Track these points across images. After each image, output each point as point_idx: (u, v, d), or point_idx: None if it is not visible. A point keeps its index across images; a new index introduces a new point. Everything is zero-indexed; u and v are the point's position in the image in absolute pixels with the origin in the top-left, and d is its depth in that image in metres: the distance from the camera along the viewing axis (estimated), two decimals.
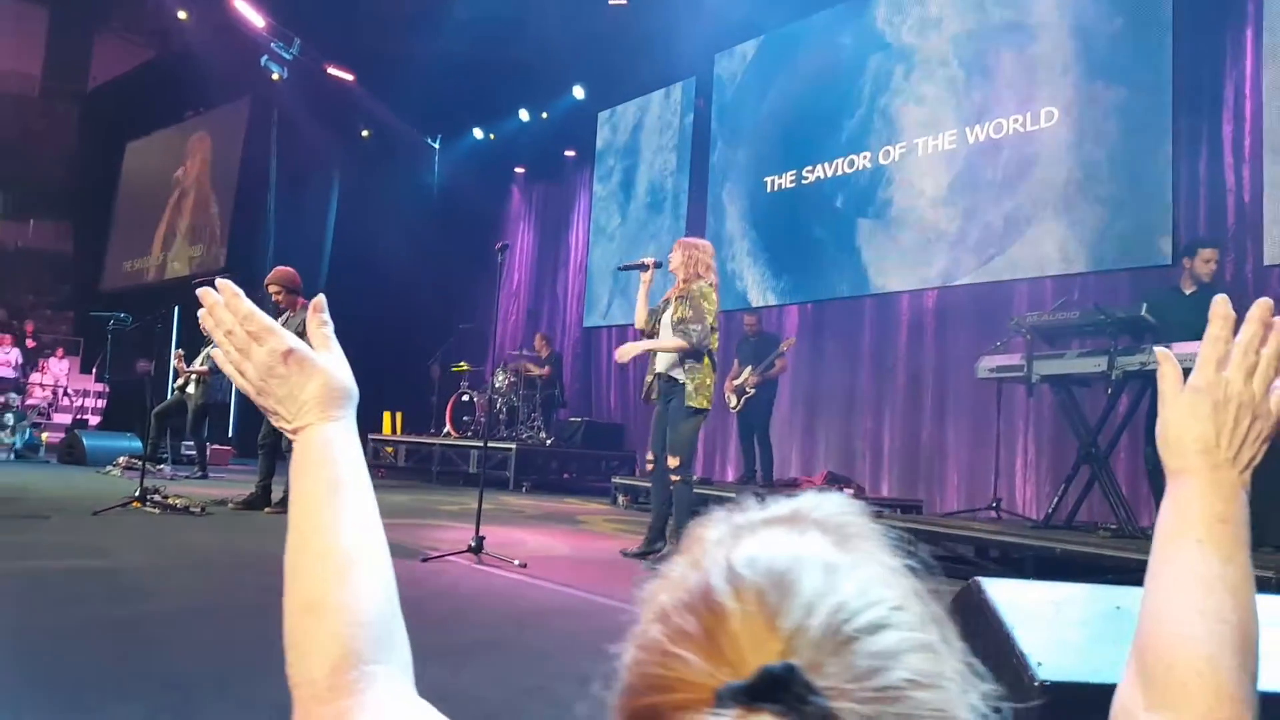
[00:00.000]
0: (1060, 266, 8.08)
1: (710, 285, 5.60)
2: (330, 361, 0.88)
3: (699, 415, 5.50)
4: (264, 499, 7.06)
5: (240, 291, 0.89)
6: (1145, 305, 5.43)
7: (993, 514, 6.86)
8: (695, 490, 5.62)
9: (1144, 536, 5.30)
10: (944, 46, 9.26)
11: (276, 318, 6.80)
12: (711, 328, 5.51)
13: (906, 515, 7.37)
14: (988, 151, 8.72)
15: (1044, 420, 8.09)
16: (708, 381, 5.49)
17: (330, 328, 0.91)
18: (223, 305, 0.88)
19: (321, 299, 0.92)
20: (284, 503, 6.84)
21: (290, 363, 0.86)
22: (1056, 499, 5.85)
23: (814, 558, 0.49)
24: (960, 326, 8.87)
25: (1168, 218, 7.42)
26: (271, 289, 7.02)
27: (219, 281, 0.90)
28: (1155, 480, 5.95)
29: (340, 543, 0.79)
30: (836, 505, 0.55)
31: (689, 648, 0.47)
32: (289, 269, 7.16)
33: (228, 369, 0.89)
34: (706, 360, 5.50)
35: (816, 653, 0.46)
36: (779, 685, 0.44)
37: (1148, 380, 5.37)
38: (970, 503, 8.23)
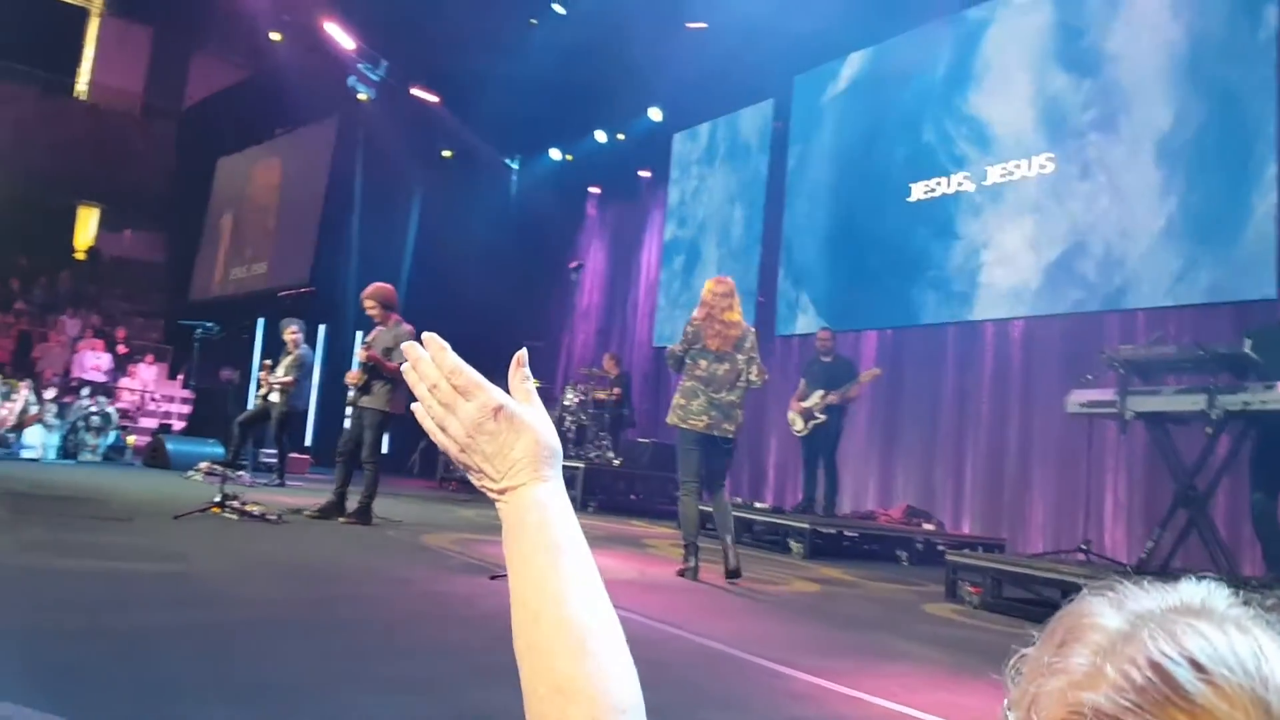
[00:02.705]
0: (1153, 299, 7.76)
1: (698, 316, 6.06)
2: (536, 417, 0.83)
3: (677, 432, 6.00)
4: (339, 508, 7.11)
5: (446, 345, 0.84)
6: (1249, 342, 5.16)
7: (1081, 556, 6.56)
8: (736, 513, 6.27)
9: (1247, 587, 5.00)
10: (1032, 70, 9.01)
11: (369, 330, 6.88)
12: (678, 354, 6.11)
13: (990, 554, 7.10)
14: (1079, 177, 8.43)
15: (1136, 459, 7.75)
16: (678, 401, 6.03)
17: (532, 383, 0.86)
18: (428, 360, 0.84)
19: (524, 353, 0.87)
20: (358, 513, 6.95)
21: (501, 419, 0.81)
22: (1151, 543, 5.56)
23: (1275, 655, 0.48)
24: (1047, 358, 8.58)
25: (1271, 249, 7.06)
26: (367, 303, 7.20)
27: (425, 335, 0.86)
28: (1262, 527, 5.58)
29: (576, 615, 0.75)
30: (1231, 597, 0.53)
31: None
32: (387, 285, 7.37)
33: (428, 424, 0.84)
34: (685, 382, 6.04)
35: None
36: None
37: (1251, 421, 5.10)
38: (1056, 543, 7.93)
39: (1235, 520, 6.58)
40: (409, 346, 0.86)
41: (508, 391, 0.85)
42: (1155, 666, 0.47)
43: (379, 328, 7.17)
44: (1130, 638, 0.49)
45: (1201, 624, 0.49)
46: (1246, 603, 0.53)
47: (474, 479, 0.83)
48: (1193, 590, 0.53)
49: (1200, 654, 0.47)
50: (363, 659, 3.22)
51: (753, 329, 6.17)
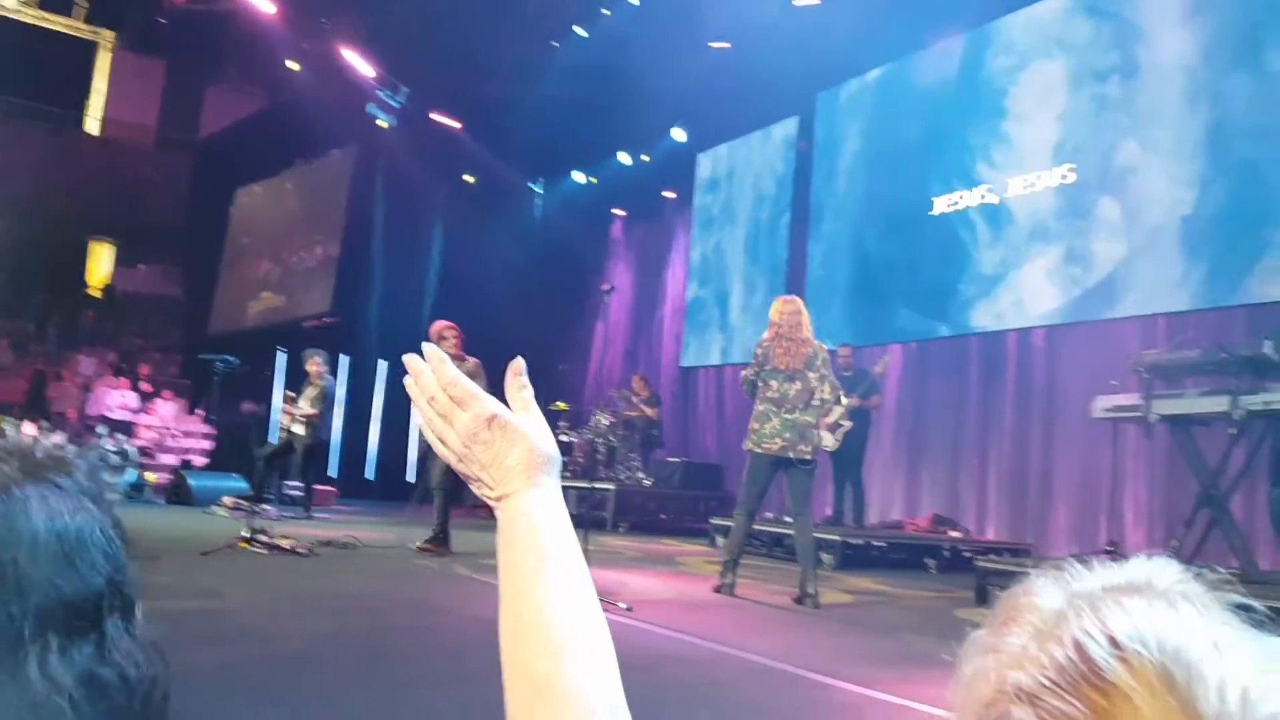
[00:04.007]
0: (1171, 303, 7.81)
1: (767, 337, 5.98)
2: (532, 426, 0.84)
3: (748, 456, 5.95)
4: (445, 538, 7.33)
5: (446, 357, 0.86)
6: (1269, 343, 5.24)
7: (1107, 558, 6.60)
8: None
9: (1268, 581, 5.07)
10: (1049, 81, 9.10)
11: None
12: (750, 378, 5.99)
13: (1015, 559, 7.16)
14: (1096, 185, 8.51)
15: (1156, 462, 7.80)
16: (753, 426, 5.90)
17: (529, 391, 0.87)
18: (427, 372, 0.86)
19: (520, 362, 0.88)
20: (435, 539, 7.23)
21: (494, 428, 0.82)
22: (1175, 542, 5.63)
23: (1200, 634, 0.46)
24: (1070, 366, 8.64)
25: None
26: (450, 335, 7.38)
27: (425, 347, 0.88)
28: None
29: (558, 619, 0.76)
30: (1178, 573, 0.52)
31: None
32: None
33: (429, 436, 0.86)
34: (757, 405, 5.92)
35: None
36: None
37: (1272, 420, 5.20)
38: (1079, 546, 7.98)
39: (1253, 518, 6.65)
40: (409, 359, 0.87)
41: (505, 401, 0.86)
42: (1076, 645, 0.47)
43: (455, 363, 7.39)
44: (1062, 617, 0.49)
45: (1132, 601, 0.48)
46: (1196, 579, 0.52)
47: (475, 488, 0.84)
48: (1139, 568, 0.52)
49: (1118, 631, 0.46)
50: (415, 687, 3.26)
51: (823, 346, 6.10)
